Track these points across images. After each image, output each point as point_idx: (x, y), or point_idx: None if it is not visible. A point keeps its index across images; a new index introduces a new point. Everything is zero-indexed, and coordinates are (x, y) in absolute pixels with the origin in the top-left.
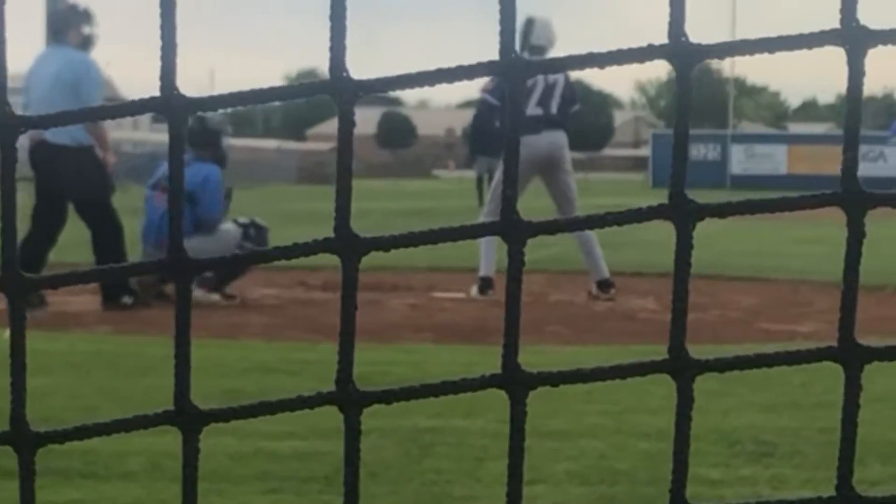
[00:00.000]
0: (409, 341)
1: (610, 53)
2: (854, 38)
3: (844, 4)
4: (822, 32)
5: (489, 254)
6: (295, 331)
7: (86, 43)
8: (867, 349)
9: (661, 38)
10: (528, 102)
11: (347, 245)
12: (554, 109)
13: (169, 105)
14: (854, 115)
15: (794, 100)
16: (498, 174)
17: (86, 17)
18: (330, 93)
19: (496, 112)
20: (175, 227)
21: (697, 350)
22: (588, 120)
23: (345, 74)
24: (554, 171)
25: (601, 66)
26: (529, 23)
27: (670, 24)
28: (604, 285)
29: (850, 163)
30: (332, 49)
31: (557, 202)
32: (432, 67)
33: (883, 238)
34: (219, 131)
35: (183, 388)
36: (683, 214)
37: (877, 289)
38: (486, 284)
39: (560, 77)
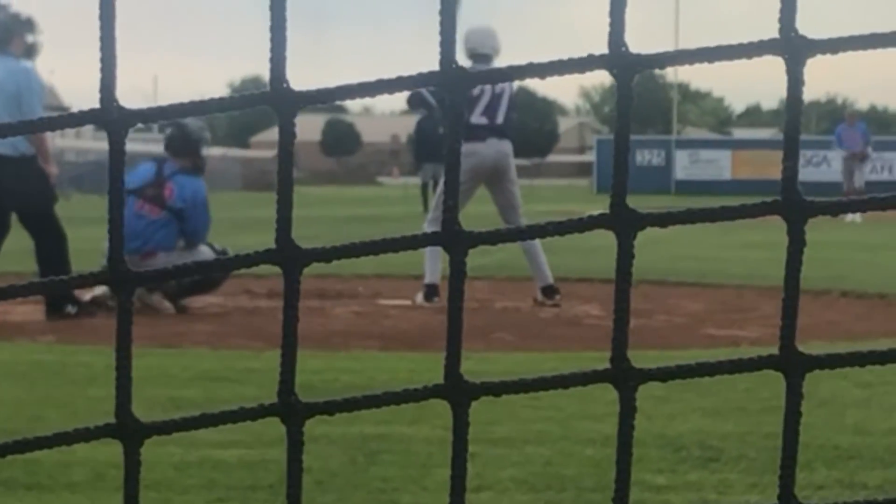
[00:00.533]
0: (355, 349)
1: (550, 63)
2: (793, 48)
3: (783, 14)
4: (762, 42)
5: (434, 261)
6: (240, 339)
7: (30, 51)
8: (808, 357)
9: (605, 44)
10: (473, 111)
11: (289, 256)
12: (500, 119)
13: (108, 117)
14: (793, 123)
15: (737, 105)
16: (442, 182)
17: (29, 25)
18: (271, 104)
19: (435, 113)
20: (115, 239)
21: (642, 356)
22: (533, 126)
23: (285, 86)
24: (499, 180)
25: (542, 77)
26: (473, 31)
27: (610, 34)
28: (549, 291)
29: (789, 171)
30: (272, 60)
31: (502, 210)
32: (379, 72)
33: (829, 242)
34: (199, 139)
35: (124, 400)
36: (624, 224)
37: (823, 293)
38: (431, 291)
39: (507, 86)
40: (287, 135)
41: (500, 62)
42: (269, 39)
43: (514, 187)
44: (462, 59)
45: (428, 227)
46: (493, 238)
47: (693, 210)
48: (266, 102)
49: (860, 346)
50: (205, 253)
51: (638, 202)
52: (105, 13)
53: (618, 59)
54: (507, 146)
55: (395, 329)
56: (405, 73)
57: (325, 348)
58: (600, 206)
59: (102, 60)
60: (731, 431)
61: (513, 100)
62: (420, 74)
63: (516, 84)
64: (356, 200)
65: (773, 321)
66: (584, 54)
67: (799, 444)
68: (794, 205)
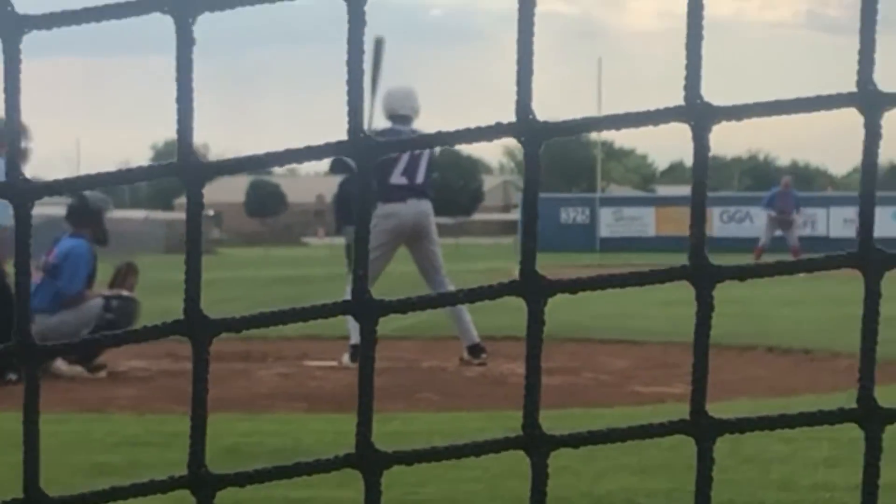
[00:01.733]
0: (282, 410)
1: (458, 132)
2: (698, 114)
3: (688, 81)
4: (667, 109)
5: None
6: (164, 402)
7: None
8: (717, 422)
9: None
10: (392, 172)
11: (197, 328)
12: (419, 179)
13: (13, 189)
14: (700, 189)
15: (661, 162)
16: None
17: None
18: (177, 175)
19: (356, 177)
20: (23, 312)
21: (569, 415)
22: (457, 185)
23: (192, 157)
24: (420, 240)
25: (451, 145)
26: (391, 93)
27: (518, 102)
28: (475, 350)
29: (696, 238)
30: (179, 132)
31: (423, 272)
32: (305, 135)
33: (754, 297)
34: (99, 209)
35: (32, 475)
36: (534, 291)
37: (748, 348)
38: (357, 352)
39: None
40: (194, 206)
41: (420, 122)
42: (176, 111)
43: (435, 248)
44: (382, 120)
45: (350, 289)
46: (403, 306)
47: (602, 276)
48: (173, 174)
49: (784, 402)
50: (92, 305)
51: (563, 260)
52: (9, 87)
53: (525, 126)
54: (427, 206)
55: (321, 390)
56: (330, 137)
57: (251, 411)
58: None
59: (8, 134)
60: (657, 489)
61: (433, 159)
62: (327, 144)
63: None
64: (281, 261)
65: None
66: (497, 120)
67: (722, 501)
68: (702, 270)
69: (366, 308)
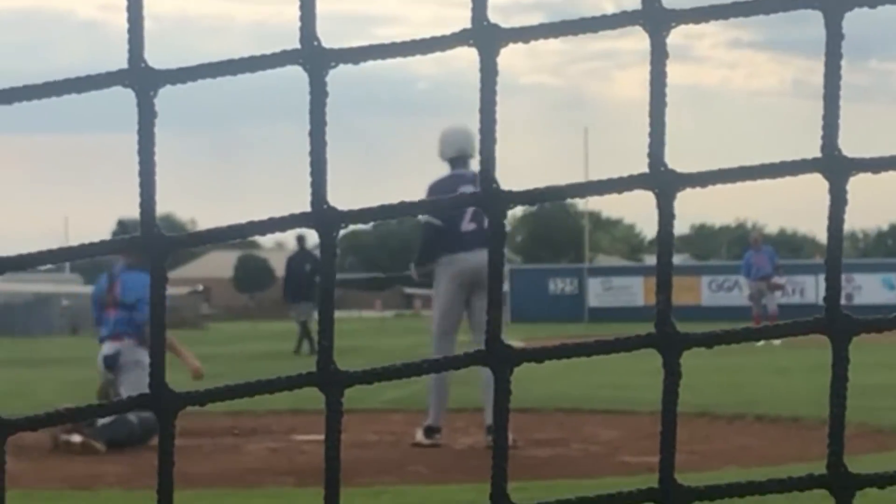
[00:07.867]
0: (271, 485)
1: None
2: (662, 182)
3: (652, 149)
4: (631, 177)
5: (438, 398)
6: (153, 479)
7: None
8: (684, 490)
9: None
10: (462, 218)
11: (163, 402)
12: (486, 224)
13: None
14: (666, 258)
15: (648, 231)
16: (435, 309)
17: None
18: (141, 250)
19: (440, 231)
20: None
21: (558, 485)
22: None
23: (154, 230)
24: (478, 292)
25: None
26: (446, 133)
27: (481, 171)
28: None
29: (663, 304)
30: (141, 206)
31: (472, 326)
32: (294, 202)
33: (741, 366)
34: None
35: None
36: (499, 361)
37: (737, 417)
38: (431, 432)
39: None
40: (158, 278)
41: (412, 186)
42: (139, 184)
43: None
44: (442, 165)
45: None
46: (368, 377)
47: (567, 345)
48: (137, 247)
49: (773, 470)
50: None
51: (551, 331)
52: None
53: (489, 196)
54: None
55: (309, 465)
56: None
57: (239, 486)
58: (515, 335)
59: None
60: None
61: None
62: (291, 215)
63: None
64: (269, 335)
65: (689, 447)
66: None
67: None
68: (668, 338)
69: (330, 379)
